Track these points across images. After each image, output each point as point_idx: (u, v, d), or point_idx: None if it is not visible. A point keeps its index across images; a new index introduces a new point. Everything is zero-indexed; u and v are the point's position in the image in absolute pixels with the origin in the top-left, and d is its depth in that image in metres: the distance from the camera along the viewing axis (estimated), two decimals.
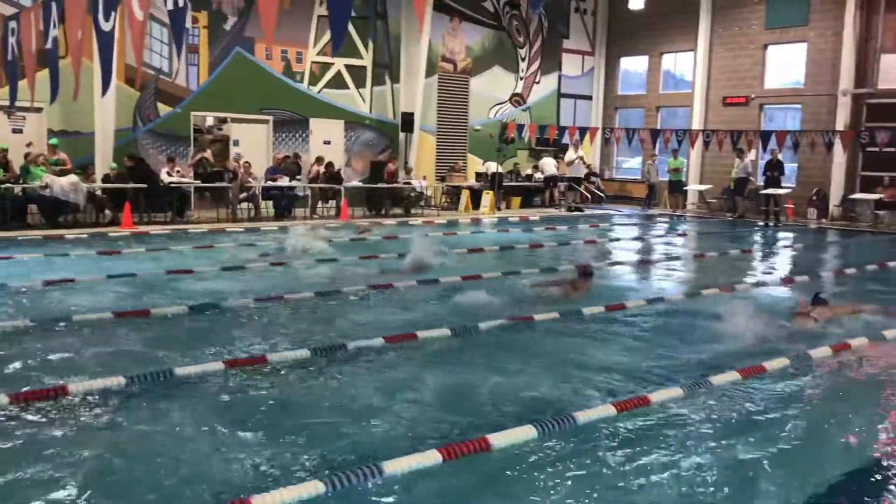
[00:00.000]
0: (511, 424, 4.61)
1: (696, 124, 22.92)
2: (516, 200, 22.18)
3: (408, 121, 20.63)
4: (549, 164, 22.45)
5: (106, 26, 10.24)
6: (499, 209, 20.59)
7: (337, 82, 20.13)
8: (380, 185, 19.19)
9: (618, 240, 15.65)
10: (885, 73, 19.57)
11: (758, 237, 17.41)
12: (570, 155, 21.97)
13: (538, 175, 22.78)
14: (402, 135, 20.99)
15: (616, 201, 24.43)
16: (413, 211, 19.40)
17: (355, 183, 19.54)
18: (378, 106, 20.96)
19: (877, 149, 18.37)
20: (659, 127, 23.77)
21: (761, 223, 19.69)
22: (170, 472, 4.04)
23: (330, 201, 18.45)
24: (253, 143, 18.73)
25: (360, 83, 20.57)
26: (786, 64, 21.69)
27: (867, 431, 4.94)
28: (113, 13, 8.69)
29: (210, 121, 19.99)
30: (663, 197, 23.25)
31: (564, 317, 7.71)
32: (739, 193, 20.95)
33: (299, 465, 4.15)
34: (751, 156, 21.01)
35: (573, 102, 25.41)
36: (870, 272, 11.43)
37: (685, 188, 23.09)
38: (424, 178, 20.54)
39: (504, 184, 21.38)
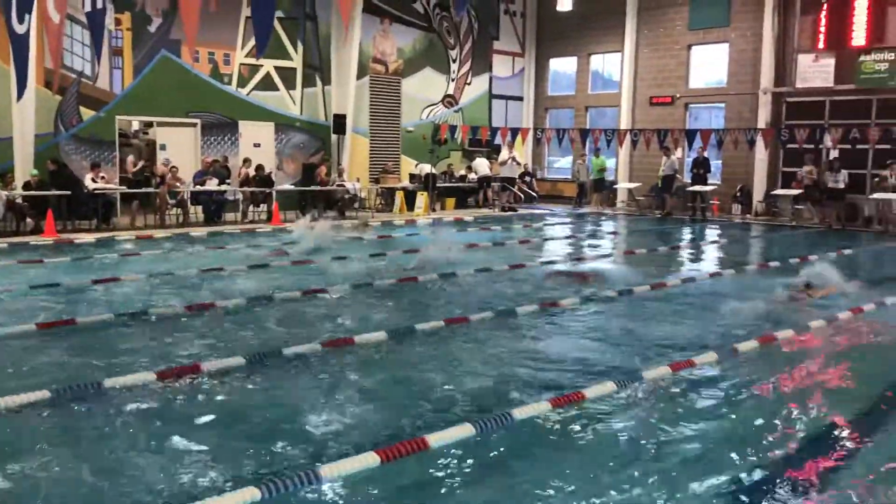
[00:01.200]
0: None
1: (624, 124, 23.33)
2: (451, 201, 22.25)
3: (340, 122, 20.51)
4: (482, 165, 22.60)
5: (20, 29, 9.85)
6: (433, 210, 20.62)
7: (266, 84, 19.90)
8: (312, 187, 19.03)
9: (551, 239, 15.84)
10: (802, 72, 20.24)
11: (686, 233, 17.86)
12: (504, 155, 22.14)
13: (472, 176, 22.90)
14: (334, 137, 20.87)
15: (548, 201, 24.67)
16: (347, 213, 19.32)
17: (287, 186, 19.34)
18: (309, 108, 20.80)
19: (796, 145, 19.02)
20: (588, 126, 24.11)
21: (688, 219, 20.17)
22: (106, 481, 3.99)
23: (261, 205, 18.25)
24: (180, 148, 18.38)
25: (290, 85, 20.38)
26: (709, 64, 22.26)
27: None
28: (28, 15, 8.37)
29: (136, 125, 19.52)
30: (594, 195, 23.65)
31: (499, 316, 7.82)
32: (667, 191, 21.39)
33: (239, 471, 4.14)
34: (677, 154, 21.50)
35: (504, 103, 25.62)
36: (793, 266, 11.85)
37: (614, 186, 23.52)
38: (358, 180, 20.46)
39: (438, 185, 21.41)
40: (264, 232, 15.70)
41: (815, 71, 19.94)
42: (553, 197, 25.21)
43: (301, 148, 20.73)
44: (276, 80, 20.11)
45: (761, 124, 20.50)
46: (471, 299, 8.83)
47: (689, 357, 6.35)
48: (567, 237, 16.32)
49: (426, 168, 21.35)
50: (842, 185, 18.47)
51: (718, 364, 6.30)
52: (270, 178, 18.48)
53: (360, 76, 21.34)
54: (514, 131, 21.93)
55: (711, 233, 17.87)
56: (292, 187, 19.44)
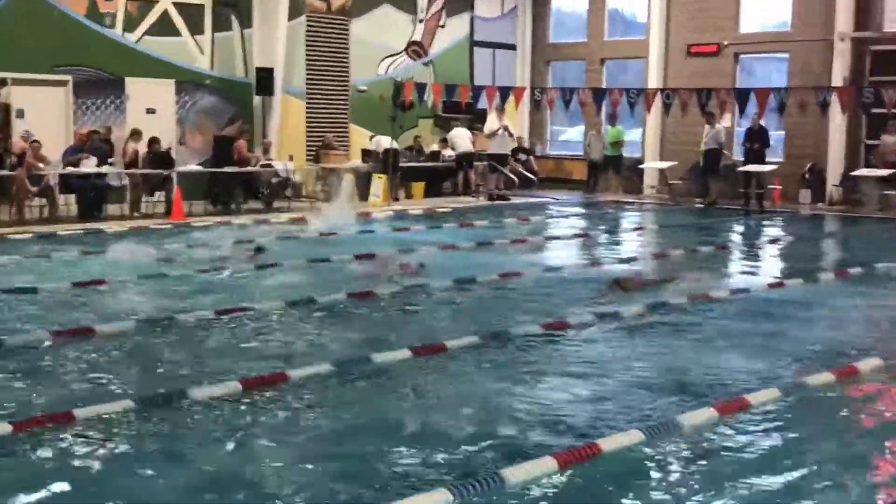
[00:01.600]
0: None
1: (653, 82, 23.35)
2: (419, 187, 22.19)
3: (265, 80, 20.50)
4: (462, 138, 22.60)
5: None
6: (395, 199, 20.67)
7: (163, 28, 19.78)
8: (227, 168, 18.96)
9: (556, 239, 15.93)
10: (893, 10, 20.47)
11: (738, 231, 18.02)
12: (491, 124, 22.13)
13: (447, 152, 22.92)
14: (257, 99, 20.84)
15: (551, 185, 24.71)
16: (276, 204, 19.22)
17: (192, 167, 19.26)
18: (223, 60, 20.73)
19: (884, 109, 19.09)
20: (605, 86, 24.06)
21: (741, 210, 20.37)
22: None
23: (156, 193, 18.14)
24: (45, 115, 18.20)
25: (195, 28, 20.27)
26: (767, 1, 22.44)
27: None
28: None
29: None
30: (608, 178, 23.77)
31: (488, 341, 7.86)
32: (711, 172, 21.55)
33: None
34: (724, 122, 21.55)
35: (491, 53, 25.67)
36: (882, 272, 12.00)
37: (640, 166, 23.68)
38: (291, 158, 20.40)
39: (401, 165, 21.45)
40: (162, 229, 15.58)
41: None
42: (558, 180, 25.23)
43: (212, 115, 20.64)
44: (178, 21, 20.00)
45: (837, 81, 20.64)
46: (449, 319, 8.85)
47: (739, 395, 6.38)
48: (576, 235, 16.42)
49: (385, 142, 21.34)
50: None
51: (783, 403, 6.35)
52: (170, 157, 18.39)
53: (292, 16, 21.31)
54: (505, 92, 21.95)
55: (772, 228, 18.01)
56: (200, 168, 19.36)
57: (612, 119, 22.89)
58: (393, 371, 7.10)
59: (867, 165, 20.41)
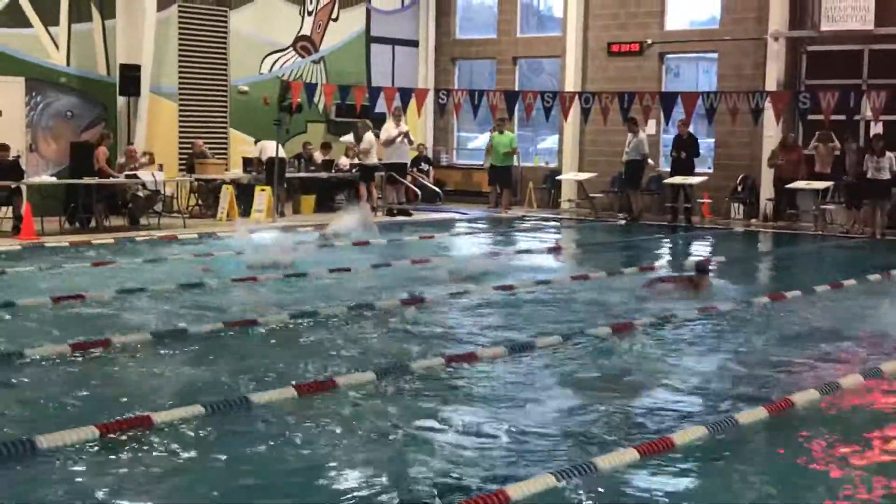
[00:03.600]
0: None
1: (571, 83, 23.68)
2: (308, 201, 22.17)
3: (131, 78, 20.27)
4: (369, 143, 22.40)
5: None
6: (281, 215, 20.66)
7: (12, 18, 19.43)
8: (87, 179, 18.56)
9: (466, 260, 15.87)
10: (831, 8, 20.90)
11: (664, 251, 18.30)
12: (389, 130, 22.14)
13: (343, 161, 22.97)
14: (121, 100, 20.60)
15: (459, 198, 24.88)
16: (143, 221, 18.96)
17: (45, 178, 18.87)
18: (81, 55, 20.44)
19: (821, 116, 19.54)
20: (517, 87, 24.34)
21: (667, 226, 20.71)
22: None
23: (3, 208, 17.75)
24: None
25: (49, 19, 19.96)
26: None
27: None
28: None
29: None
30: (528, 190, 24.03)
31: (385, 375, 7.85)
32: (634, 184, 21.89)
33: None
34: (648, 129, 21.92)
35: (390, 50, 25.82)
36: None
37: (557, 178, 23.98)
38: (161, 167, 20.11)
39: (289, 175, 21.44)
40: (9, 251, 15.23)
41: (848, 8, 20.61)
42: (465, 193, 25.50)
43: (69, 118, 20.35)
44: (28, 10, 19.68)
45: (771, 85, 21.12)
46: (341, 351, 8.90)
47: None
48: (483, 254, 16.47)
49: (269, 148, 21.23)
50: (888, 175, 19.14)
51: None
52: (18, 166, 17.98)
53: (162, 5, 21.15)
54: (406, 94, 21.99)
55: (701, 246, 18.27)
56: (54, 179, 18.97)
57: (500, 124, 22.94)
58: (275, 410, 7.09)
59: (805, 176, 20.77)
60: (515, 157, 23.60)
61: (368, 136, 22.48)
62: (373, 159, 22.16)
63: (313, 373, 8.17)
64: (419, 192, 23.46)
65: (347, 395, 7.48)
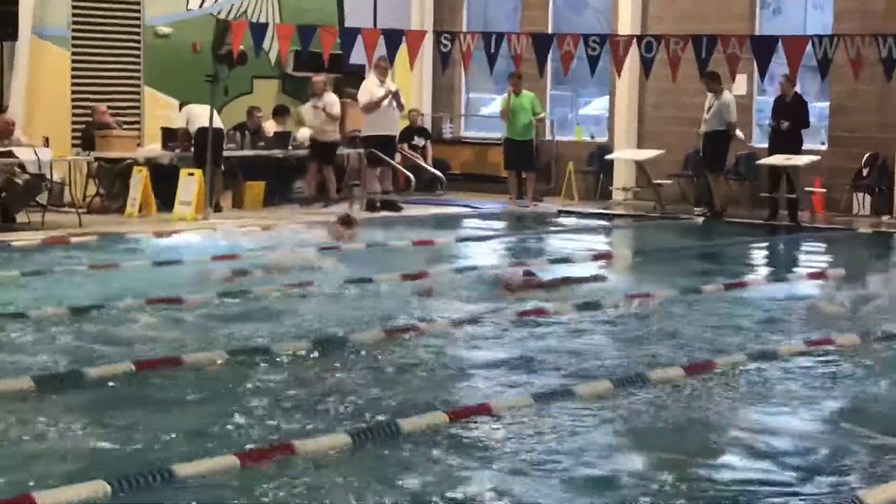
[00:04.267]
0: None
1: (626, 24, 23.64)
2: (256, 190, 22.23)
3: (5, 16, 20.34)
4: (333, 108, 22.62)
5: None
6: (217, 209, 20.71)
7: None
8: None
9: (464, 267, 15.81)
10: None
11: (755, 259, 18.18)
12: (372, 90, 22.12)
13: (301, 133, 22.89)
14: None
15: (467, 186, 25.00)
16: (22, 217, 18.97)
17: None
18: None
19: None
20: (551, 30, 24.28)
21: (764, 226, 20.67)
22: None
23: None
24: None
25: None
26: None
27: None
28: None
29: None
30: (566, 174, 24.03)
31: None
32: (715, 165, 21.74)
33: None
34: (736, 89, 21.87)
35: None
36: None
37: (607, 157, 23.87)
38: (46, 142, 20.04)
39: (227, 153, 21.42)
40: None
41: None
42: (477, 179, 25.57)
43: None
44: None
45: None
46: (301, 403, 8.98)
47: None
48: (499, 265, 16.30)
49: (199, 116, 21.12)
50: None
51: None
52: None
53: None
54: (395, 38, 21.89)
55: (809, 254, 18.16)
56: None
57: (515, 82, 22.98)
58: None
59: None
60: (540, 126, 23.73)
61: (330, 98, 22.63)
62: (332, 135, 22.39)
63: (261, 435, 8.15)
64: (412, 178, 23.39)
65: (309, 466, 7.42)
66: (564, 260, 16.75)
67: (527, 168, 23.52)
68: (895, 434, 8.28)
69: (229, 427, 8.33)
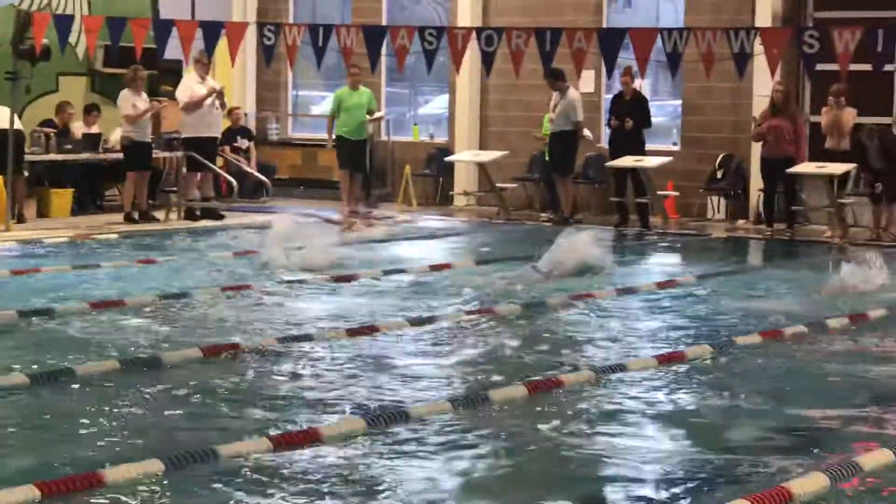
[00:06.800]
0: None
1: (466, 16, 23.66)
2: (62, 198, 22.08)
3: None
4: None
5: None
6: (19, 220, 20.51)
7: None
8: None
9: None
10: None
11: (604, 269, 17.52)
12: (193, 87, 21.99)
13: (116, 136, 22.40)
14: None
15: (300, 190, 25.28)
16: None
17: None
18: None
19: (835, 66, 19.34)
20: (385, 21, 24.78)
21: (613, 232, 20.45)
22: None
23: None
24: None
25: None
26: None
27: None
28: None
29: None
30: (403, 178, 24.18)
31: None
32: (562, 169, 21.71)
33: None
34: (584, 86, 21.81)
35: None
36: None
37: (447, 158, 23.67)
38: None
39: (30, 157, 21.35)
40: None
41: None
42: (309, 183, 25.79)
43: None
44: None
45: (762, 20, 21.09)
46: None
47: None
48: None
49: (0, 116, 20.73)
50: None
51: None
52: None
53: None
54: (213, 31, 21.44)
55: (662, 260, 18.53)
56: None
57: (354, 79, 22.81)
58: None
59: (815, 157, 21.00)
60: (375, 126, 23.81)
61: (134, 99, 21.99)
62: (144, 135, 21.77)
63: None
64: (234, 183, 22.83)
65: None
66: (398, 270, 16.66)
67: (357, 169, 23.40)
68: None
69: None
